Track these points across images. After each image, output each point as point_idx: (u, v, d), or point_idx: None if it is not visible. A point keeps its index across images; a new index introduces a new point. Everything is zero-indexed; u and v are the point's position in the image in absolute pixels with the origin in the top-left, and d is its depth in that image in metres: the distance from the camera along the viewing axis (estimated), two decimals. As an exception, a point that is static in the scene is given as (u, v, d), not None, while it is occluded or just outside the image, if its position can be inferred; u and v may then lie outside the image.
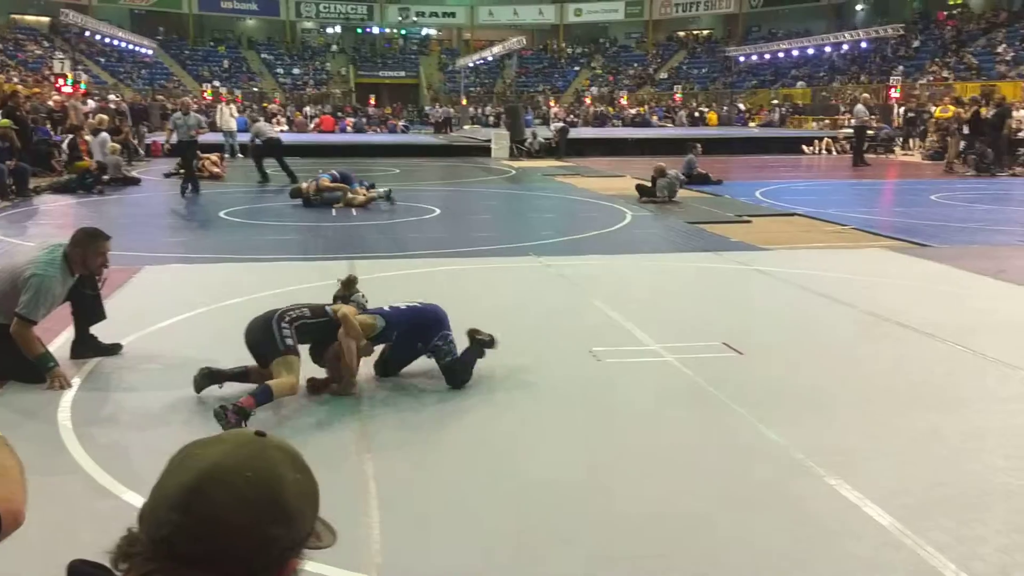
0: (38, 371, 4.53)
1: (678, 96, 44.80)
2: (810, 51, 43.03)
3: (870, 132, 23.15)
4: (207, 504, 0.97)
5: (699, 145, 16.86)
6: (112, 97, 27.25)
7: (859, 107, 21.48)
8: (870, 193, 16.32)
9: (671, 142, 24.85)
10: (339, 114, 38.39)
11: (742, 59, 47.41)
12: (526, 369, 4.96)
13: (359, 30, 54.68)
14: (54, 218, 11.77)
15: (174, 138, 16.14)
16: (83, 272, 4.84)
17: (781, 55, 44.67)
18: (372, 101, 45.15)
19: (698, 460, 3.78)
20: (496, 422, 4.22)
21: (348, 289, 4.83)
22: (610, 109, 41.57)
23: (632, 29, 57.21)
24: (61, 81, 25.20)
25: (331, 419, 4.20)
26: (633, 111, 40.75)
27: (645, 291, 7.22)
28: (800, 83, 43.38)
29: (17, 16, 46.17)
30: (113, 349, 5.13)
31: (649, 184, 13.48)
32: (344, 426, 4.12)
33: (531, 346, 5.40)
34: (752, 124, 38.52)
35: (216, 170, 16.72)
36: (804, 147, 26.30)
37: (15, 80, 35.27)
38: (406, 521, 3.20)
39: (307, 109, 39.54)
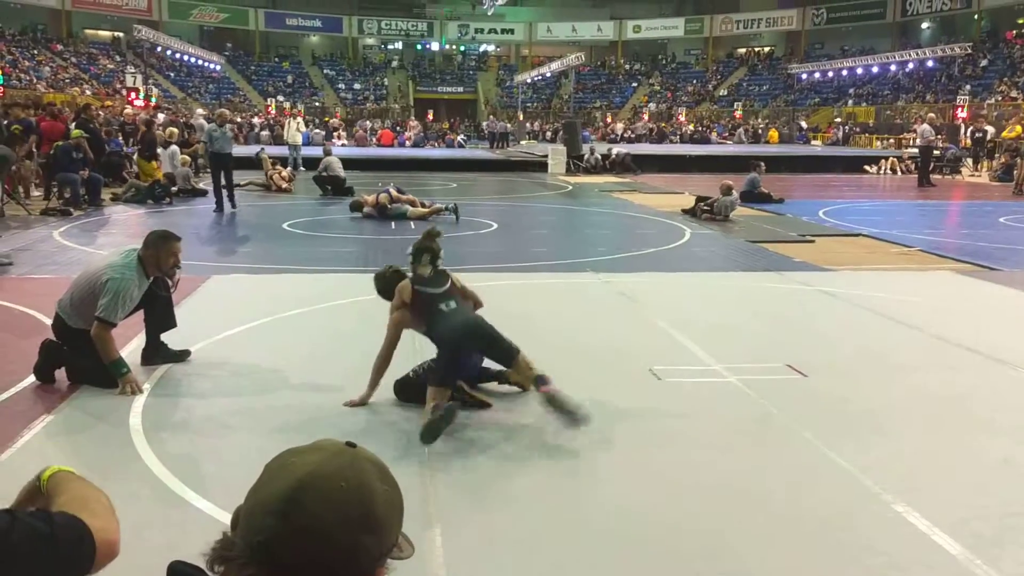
0: (111, 376, 4.67)
1: (738, 113, 44.44)
2: (874, 69, 42.34)
3: (936, 152, 22.63)
4: (303, 511, 0.99)
5: (762, 163, 16.67)
6: (200, 111, 27.82)
7: (925, 127, 21.03)
8: (936, 214, 15.94)
9: (731, 159, 24.65)
10: (397, 128, 38.93)
11: (804, 76, 46.86)
12: (585, 387, 4.93)
13: (419, 46, 55.43)
14: (124, 227, 12.13)
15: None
16: (157, 274, 4.99)
17: (844, 73, 44.01)
18: (430, 116, 45.67)
19: (762, 484, 3.72)
20: (555, 439, 4.21)
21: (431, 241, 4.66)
22: (665, 126, 41.38)
23: (692, 46, 56.97)
24: (133, 95, 26.03)
25: (398, 441, 4.24)
26: (691, 128, 40.56)
27: (706, 310, 7.15)
28: (863, 102, 42.66)
29: (91, 31, 47.91)
30: (182, 355, 5.26)
31: (709, 197, 13.40)
32: (403, 444, 4.16)
33: (591, 363, 5.40)
34: (817, 142, 37.96)
35: (285, 185, 17.26)
36: (867, 167, 25.83)
37: (88, 92, 36.61)
38: (469, 540, 3.21)
39: (367, 123, 40.16)
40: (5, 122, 13.87)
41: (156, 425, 4.23)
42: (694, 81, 53.84)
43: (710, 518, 3.38)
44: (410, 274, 4.67)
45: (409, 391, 4.50)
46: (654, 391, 4.90)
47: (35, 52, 40.39)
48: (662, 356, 5.51)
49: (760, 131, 40.12)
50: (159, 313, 5.23)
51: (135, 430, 4.16)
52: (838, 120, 39.95)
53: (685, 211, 13.55)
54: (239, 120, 26.26)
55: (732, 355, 5.57)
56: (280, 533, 0.99)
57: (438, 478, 3.69)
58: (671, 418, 4.50)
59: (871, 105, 42.04)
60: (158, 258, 4.92)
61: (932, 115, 21.70)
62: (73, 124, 15.07)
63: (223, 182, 13.57)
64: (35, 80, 36.10)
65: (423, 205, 13.34)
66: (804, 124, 41.05)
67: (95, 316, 4.65)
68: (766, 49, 55.18)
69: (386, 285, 4.76)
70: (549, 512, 3.43)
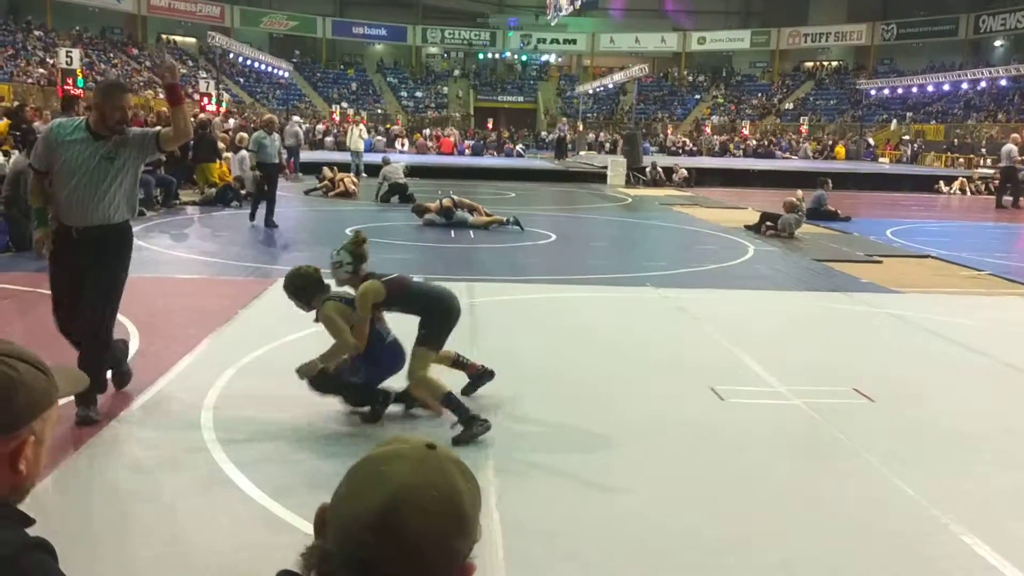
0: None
1: (804, 128, 43.75)
2: (945, 87, 41.28)
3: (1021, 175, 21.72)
4: (401, 524, 1.02)
5: (829, 180, 16.38)
6: (296, 119, 28.11)
7: (1009, 147, 20.07)
8: (1009, 237, 15.47)
9: (795, 175, 24.27)
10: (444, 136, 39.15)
11: (873, 92, 45.92)
12: (645, 403, 4.94)
13: (481, 56, 55.82)
14: (192, 228, 12.47)
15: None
16: (103, 131, 4.42)
17: (914, 89, 43.03)
18: (490, 124, 45.90)
19: (827, 511, 3.67)
20: (616, 456, 4.20)
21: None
22: (730, 144, 40.92)
23: (757, 58, 56.28)
24: (206, 100, 26.70)
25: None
26: (755, 142, 40.07)
27: (769, 329, 7.07)
28: (932, 119, 41.64)
29: (165, 36, 49.36)
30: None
31: (774, 214, 13.23)
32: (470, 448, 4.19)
33: (649, 380, 5.39)
34: (884, 160, 37.15)
35: (353, 188, 17.70)
36: (941, 185, 25.17)
37: (160, 96, 37.69)
38: (530, 555, 3.23)
39: (427, 131, 40.54)
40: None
41: (226, 427, 4.33)
42: (759, 94, 53.17)
43: (774, 545, 3.34)
44: (337, 291, 4.62)
45: (325, 381, 4.43)
46: (716, 411, 4.86)
47: (111, 55, 41.71)
48: (724, 375, 5.46)
49: (826, 147, 39.38)
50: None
51: (206, 428, 4.27)
52: (906, 138, 39.04)
53: (748, 227, 13.40)
54: (306, 126, 26.77)
55: (797, 377, 5.49)
56: (379, 546, 1.02)
57: (499, 480, 3.71)
58: (734, 439, 4.45)
59: (940, 123, 41.02)
60: (103, 112, 4.42)
61: (1016, 135, 20.91)
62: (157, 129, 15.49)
63: (266, 194, 12.44)
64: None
65: (485, 213, 13.45)
66: (871, 141, 40.23)
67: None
68: (834, 63, 54.26)
69: (304, 282, 4.59)
70: (606, 532, 3.42)
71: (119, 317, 4.84)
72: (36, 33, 39.03)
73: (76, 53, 20.96)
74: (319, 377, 4.41)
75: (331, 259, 4.53)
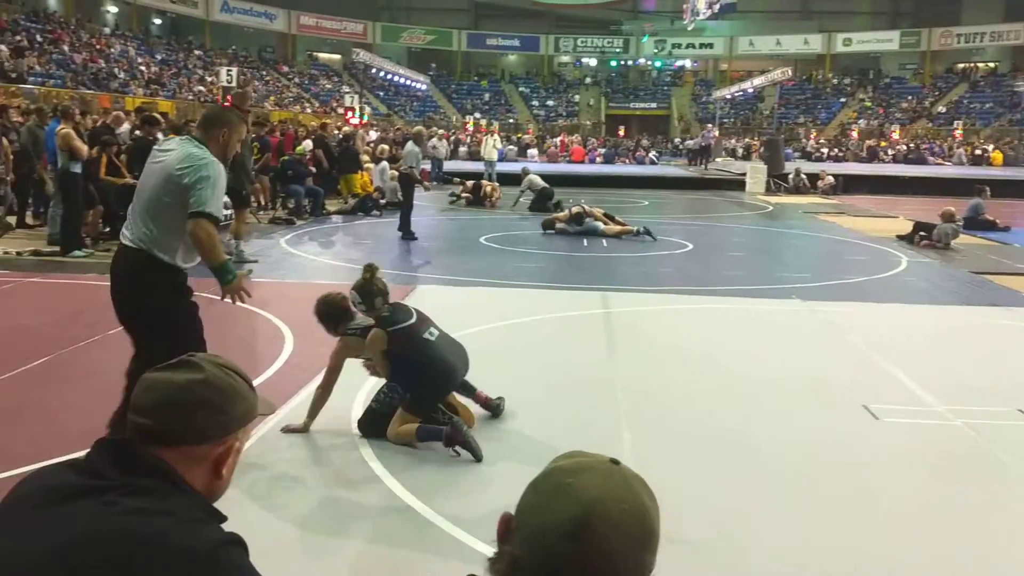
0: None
1: (958, 132, 41.29)
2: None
3: None
4: (596, 535, 1.04)
5: (987, 188, 15.38)
6: (439, 132, 28.61)
7: None
8: None
9: (949, 182, 22.96)
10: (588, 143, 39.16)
11: (1033, 94, 42.89)
12: (795, 420, 4.79)
13: (614, 62, 55.60)
14: (339, 236, 12.99)
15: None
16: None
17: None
18: (621, 132, 45.63)
19: (993, 539, 3.45)
20: (766, 477, 4.08)
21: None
22: (883, 143, 39.11)
23: (907, 60, 53.52)
24: (350, 113, 27.82)
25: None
26: (906, 147, 38.14)
27: (925, 345, 6.70)
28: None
29: (314, 53, 51.83)
30: None
31: (928, 223, 12.57)
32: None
33: (799, 397, 5.21)
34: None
35: (496, 195, 18.14)
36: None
37: (308, 111, 39.56)
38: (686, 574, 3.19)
39: (560, 139, 40.72)
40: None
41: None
42: (909, 97, 50.51)
43: (935, 571, 3.17)
44: (360, 321, 4.55)
45: (377, 424, 4.32)
46: (871, 430, 4.64)
47: (263, 73, 44.14)
48: (877, 393, 5.22)
49: (981, 152, 36.99)
50: None
51: (355, 428, 4.44)
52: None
53: (900, 237, 12.76)
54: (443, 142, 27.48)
55: (956, 396, 5.19)
56: (574, 556, 1.04)
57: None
58: (892, 460, 4.25)
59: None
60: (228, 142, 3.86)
61: None
62: (307, 143, 16.32)
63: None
64: (262, 99, 39.45)
65: (616, 223, 13.38)
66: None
67: (191, 213, 3.57)
68: (990, 65, 50.95)
69: (329, 310, 4.61)
70: (760, 550, 3.34)
71: (277, 322, 5.07)
72: (196, 53, 41.79)
73: (235, 71, 22.28)
74: (369, 423, 4.36)
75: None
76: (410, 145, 12.86)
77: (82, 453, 1.37)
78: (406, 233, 12.41)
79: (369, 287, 4.48)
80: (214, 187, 3.61)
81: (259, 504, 3.55)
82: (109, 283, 3.77)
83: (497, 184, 19.28)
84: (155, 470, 1.33)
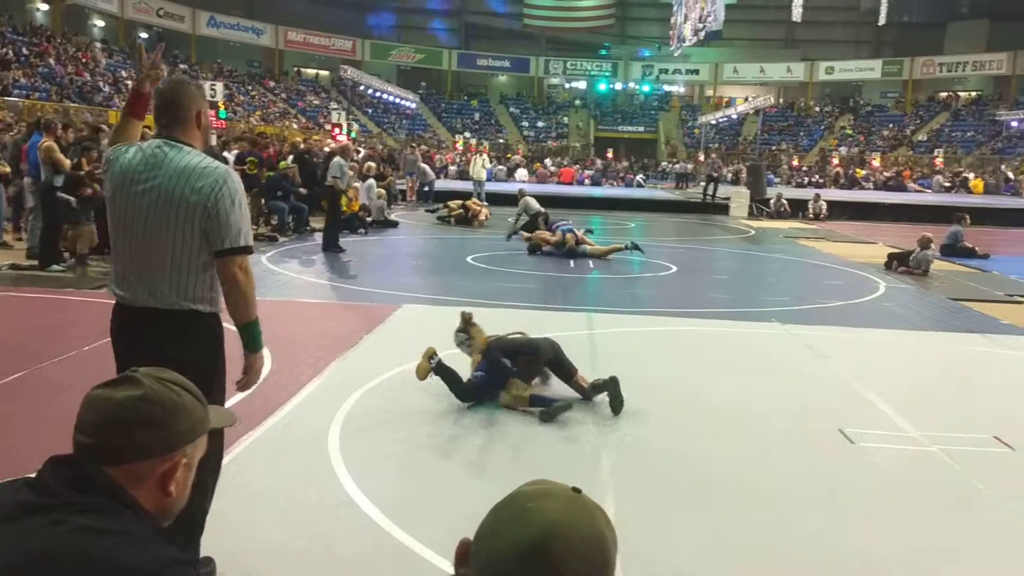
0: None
1: (939, 160, 41.83)
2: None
3: None
4: (553, 560, 1.04)
5: (967, 216, 15.57)
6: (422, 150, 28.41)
7: None
8: None
9: (928, 209, 23.21)
10: (576, 166, 39.40)
11: (1014, 124, 43.49)
12: (771, 445, 4.81)
13: (603, 85, 56.02)
14: (321, 253, 12.95)
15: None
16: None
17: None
18: (610, 154, 45.94)
19: (968, 566, 3.48)
20: (741, 499, 4.10)
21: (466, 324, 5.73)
22: (859, 172, 39.53)
23: (888, 88, 54.34)
24: (337, 130, 27.85)
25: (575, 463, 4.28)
26: (888, 174, 38.59)
27: (902, 371, 6.76)
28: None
29: (301, 68, 51.91)
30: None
31: (904, 251, 12.68)
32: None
33: (775, 419, 5.24)
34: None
35: (484, 215, 18.19)
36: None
37: (295, 127, 39.57)
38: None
39: (548, 161, 40.91)
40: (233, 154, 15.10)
41: (352, 447, 4.47)
42: (890, 125, 51.19)
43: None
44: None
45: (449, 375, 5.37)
46: (846, 455, 4.67)
47: (249, 87, 44.15)
48: (854, 418, 5.26)
49: (960, 180, 37.42)
50: None
51: (333, 450, 4.42)
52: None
53: (885, 264, 12.81)
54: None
55: (932, 422, 5.23)
56: None
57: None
58: (866, 486, 4.27)
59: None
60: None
61: None
62: (290, 158, 16.26)
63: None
64: (248, 114, 39.44)
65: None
66: (1011, 175, 38.04)
67: (219, 250, 2.84)
68: (972, 94, 51.73)
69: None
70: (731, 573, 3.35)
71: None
72: (181, 67, 41.75)
73: (219, 86, 22.24)
74: (447, 371, 5.33)
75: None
76: (337, 159, 12.92)
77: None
78: (332, 246, 12.49)
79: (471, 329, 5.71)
80: (242, 206, 2.85)
81: (229, 527, 3.51)
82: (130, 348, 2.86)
83: (486, 204, 19.28)
84: (104, 488, 1.31)
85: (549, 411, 5.00)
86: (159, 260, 2.80)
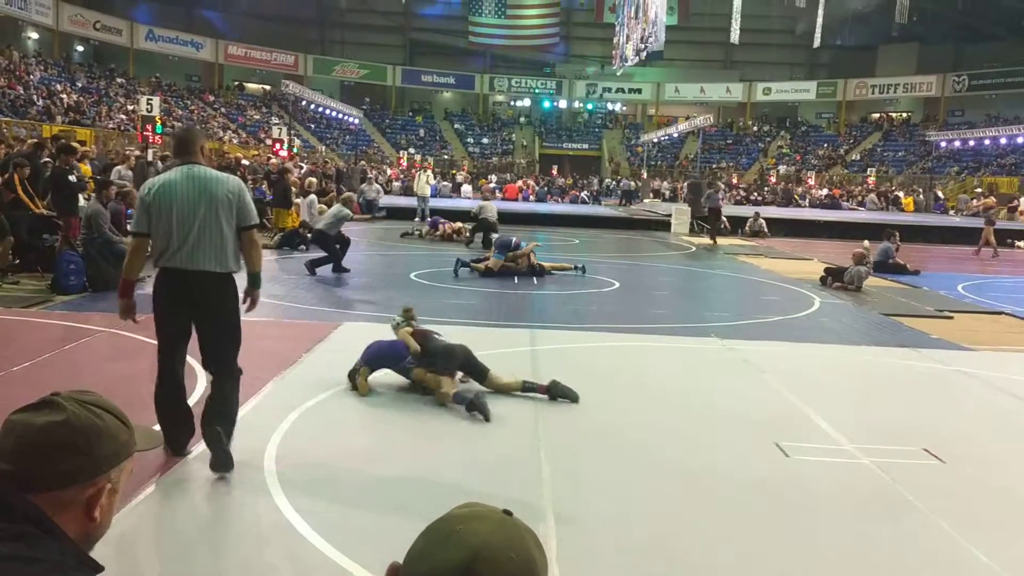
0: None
1: (871, 179, 43.15)
2: (1020, 139, 40.34)
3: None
4: None
5: (897, 233, 16.06)
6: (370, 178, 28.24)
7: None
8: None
9: (863, 227, 23.86)
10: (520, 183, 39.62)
11: (943, 144, 45.09)
12: (708, 457, 4.87)
13: (547, 103, 56.53)
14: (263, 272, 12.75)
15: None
16: None
17: (987, 142, 42.17)
18: (555, 171, 46.31)
19: (896, 575, 3.56)
20: (678, 513, 4.14)
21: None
22: (797, 194, 40.50)
23: (823, 109, 55.96)
24: (278, 145, 27.52)
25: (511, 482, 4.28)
26: (823, 192, 39.64)
27: (836, 384, 6.91)
28: (1005, 172, 40.65)
29: (242, 83, 51.26)
30: None
31: (838, 268, 13.01)
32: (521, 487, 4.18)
33: (712, 433, 5.31)
34: (953, 213, 36.23)
35: (462, 232, 18.29)
36: (1018, 243, 24.33)
37: (235, 142, 39.01)
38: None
39: (493, 177, 41.06)
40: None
41: (289, 466, 4.40)
42: (825, 144, 52.68)
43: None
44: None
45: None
46: (780, 467, 4.76)
47: (188, 102, 43.43)
48: (789, 431, 5.36)
49: (892, 197, 38.61)
50: None
51: (269, 472, 4.35)
52: (979, 190, 38.10)
53: (821, 280, 13.10)
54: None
55: (864, 435, 5.36)
56: None
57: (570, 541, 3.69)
58: (799, 498, 4.35)
59: (1015, 176, 40.02)
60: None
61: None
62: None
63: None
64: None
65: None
66: (940, 194, 39.40)
67: (246, 226, 4.43)
68: (903, 115, 53.53)
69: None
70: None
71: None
72: (119, 80, 40.93)
73: (156, 100, 21.80)
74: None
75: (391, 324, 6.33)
76: (337, 206, 13.36)
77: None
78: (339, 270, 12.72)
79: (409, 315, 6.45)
80: (250, 197, 4.56)
81: (162, 554, 3.42)
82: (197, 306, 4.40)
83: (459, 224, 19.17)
84: (26, 515, 1.27)
85: (473, 402, 5.42)
86: (218, 238, 4.29)
